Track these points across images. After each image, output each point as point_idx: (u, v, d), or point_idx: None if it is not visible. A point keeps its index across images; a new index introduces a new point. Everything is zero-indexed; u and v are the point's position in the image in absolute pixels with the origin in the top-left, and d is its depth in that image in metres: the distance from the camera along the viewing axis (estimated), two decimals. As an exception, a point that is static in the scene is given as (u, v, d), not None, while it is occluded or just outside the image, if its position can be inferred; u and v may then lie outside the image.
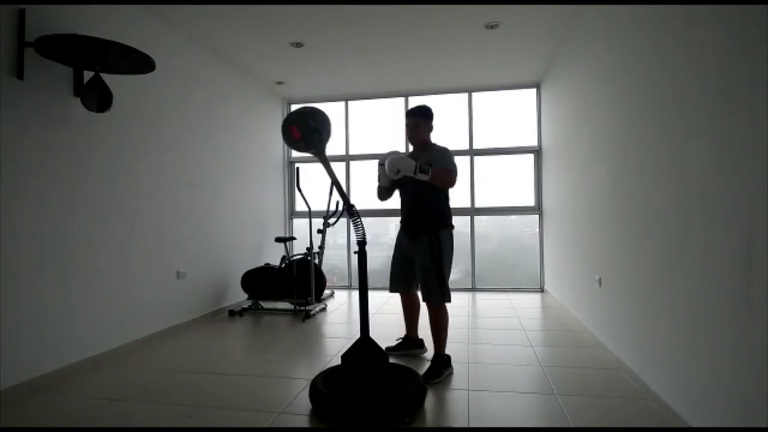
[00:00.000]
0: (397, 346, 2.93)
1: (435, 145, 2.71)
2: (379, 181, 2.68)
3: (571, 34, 3.69)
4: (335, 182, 2.32)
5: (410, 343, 2.92)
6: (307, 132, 2.18)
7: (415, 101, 5.52)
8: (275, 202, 5.62)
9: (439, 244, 2.55)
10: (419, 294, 2.72)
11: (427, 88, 5.35)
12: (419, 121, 2.67)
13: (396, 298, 2.93)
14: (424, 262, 2.57)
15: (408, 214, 2.69)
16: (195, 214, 3.88)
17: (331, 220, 4.80)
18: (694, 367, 1.81)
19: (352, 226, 2.36)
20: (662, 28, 2.06)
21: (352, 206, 2.31)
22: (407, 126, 2.71)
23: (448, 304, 2.60)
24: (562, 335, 3.41)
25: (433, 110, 2.74)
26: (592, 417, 2.03)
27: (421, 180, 2.45)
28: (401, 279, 2.76)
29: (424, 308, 2.72)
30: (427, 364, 2.58)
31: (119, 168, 3.04)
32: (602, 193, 2.99)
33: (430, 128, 2.72)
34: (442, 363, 2.56)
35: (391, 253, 2.79)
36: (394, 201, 2.81)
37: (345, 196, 2.37)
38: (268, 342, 3.41)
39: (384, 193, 2.77)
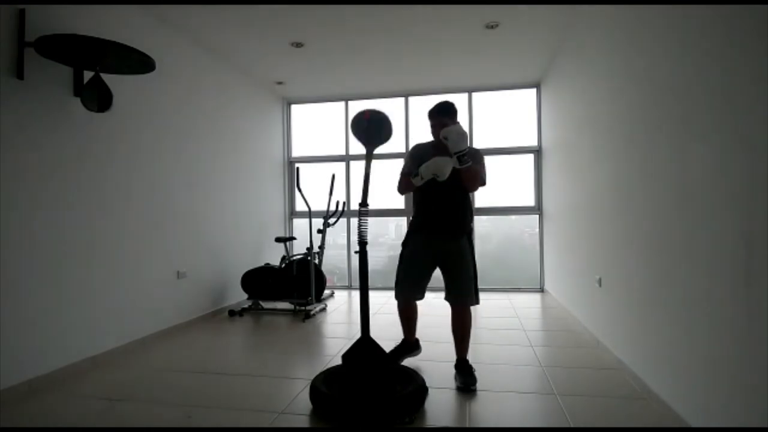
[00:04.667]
0: (401, 351, 2.69)
1: None
2: (407, 171, 2.45)
3: (571, 34, 3.69)
4: (367, 176, 2.31)
5: (411, 346, 2.73)
6: (375, 119, 2.29)
7: (415, 101, 5.53)
8: (275, 202, 5.61)
9: (471, 243, 2.51)
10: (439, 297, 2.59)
11: (427, 88, 5.35)
12: (447, 120, 2.44)
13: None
14: (463, 263, 2.46)
15: (440, 214, 2.44)
16: (195, 213, 3.88)
17: (331, 220, 4.80)
18: (694, 367, 1.81)
19: (356, 225, 2.34)
20: (662, 28, 2.06)
21: (367, 205, 2.29)
22: (434, 127, 2.49)
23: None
24: (562, 335, 3.41)
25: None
26: (592, 417, 2.03)
27: (454, 171, 2.27)
28: (420, 286, 2.53)
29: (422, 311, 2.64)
30: (423, 364, 2.53)
31: (119, 168, 3.04)
32: (602, 193, 2.99)
33: None
34: (470, 366, 2.48)
35: (391, 253, 2.70)
36: (397, 200, 2.73)
37: (366, 194, 2.30)
38: (268, 342, 3.42)
39: (407, 185, 2.46)
